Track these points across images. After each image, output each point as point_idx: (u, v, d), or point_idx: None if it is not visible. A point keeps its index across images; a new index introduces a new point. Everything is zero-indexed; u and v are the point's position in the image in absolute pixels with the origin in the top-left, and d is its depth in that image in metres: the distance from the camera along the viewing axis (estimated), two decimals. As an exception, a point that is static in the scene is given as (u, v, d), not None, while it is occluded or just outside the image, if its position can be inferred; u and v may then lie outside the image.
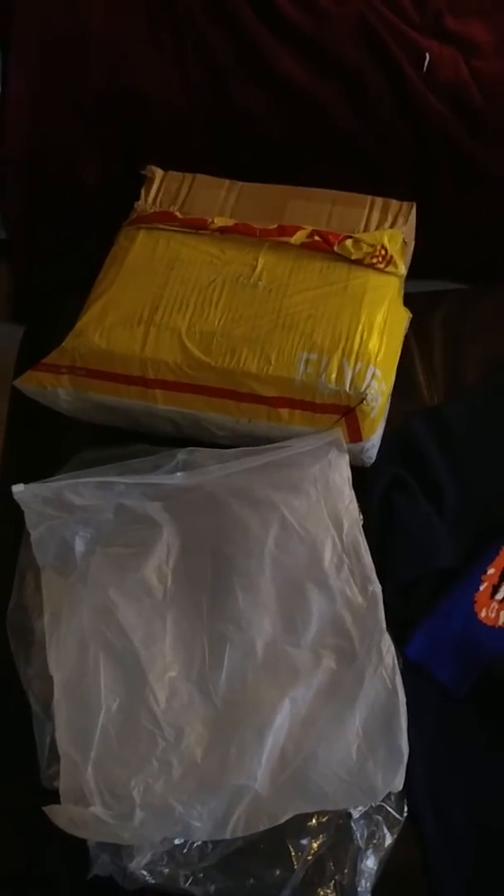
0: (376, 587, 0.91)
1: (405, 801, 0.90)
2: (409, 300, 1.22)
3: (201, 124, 1.44)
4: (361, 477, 1.05)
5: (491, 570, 1.00)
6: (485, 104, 1.42)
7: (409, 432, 1.11)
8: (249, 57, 1.41)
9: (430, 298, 1.29)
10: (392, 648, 0.88)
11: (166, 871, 0.83)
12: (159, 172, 1.19)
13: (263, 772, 0.80)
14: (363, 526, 0.99)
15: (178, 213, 1.12)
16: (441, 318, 1.25)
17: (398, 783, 0.81)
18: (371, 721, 0.82)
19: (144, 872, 0.83)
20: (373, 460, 1.06)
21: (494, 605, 0.99)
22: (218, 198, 1.15)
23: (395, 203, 1.14)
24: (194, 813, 0.79)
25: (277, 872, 0.85)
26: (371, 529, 1.02)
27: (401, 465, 1.08)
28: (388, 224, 1.11)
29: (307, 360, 0.98)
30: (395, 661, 0.87)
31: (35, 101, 1.41)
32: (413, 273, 1.27)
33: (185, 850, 0.83)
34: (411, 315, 1.14)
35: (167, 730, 0.82)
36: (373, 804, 0.87)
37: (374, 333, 1.00)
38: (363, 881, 0.86)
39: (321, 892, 0.85)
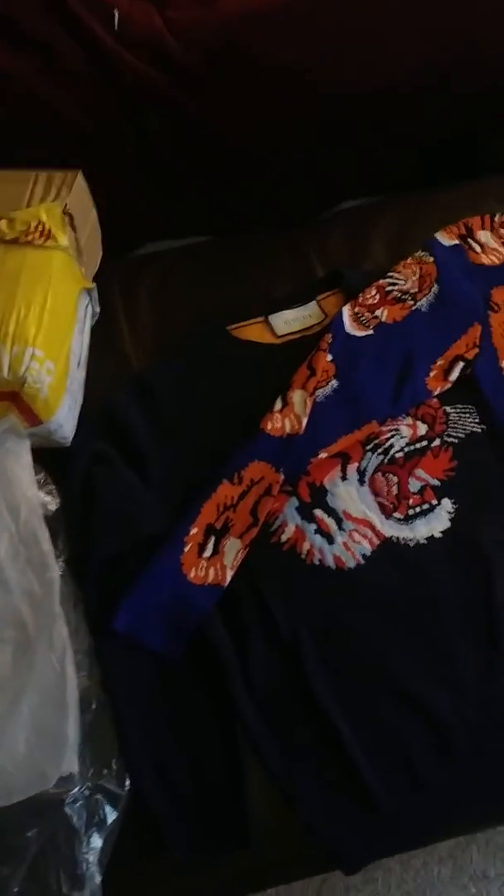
0: (53, 573, 0.90)
1: (127, 774, 0.90)
2: (117, 268, 1.21)
3: None
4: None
5: (194, 530, 0.99)
6: (184, 53, 1.38)
7: (113, 404, 1.09)
8: None
9: (140, 262, 1.27)
10: (64, 633, 0.87)
11: None
12: None
13: None
14: (62, 506, 0.99)
15: None
16: (150, 282, 1.23)
17: (66, 767, 0.81)
18: (40, 709, 0.82)
19: None
20: (69, 439, 1.04)
21: (203, 563, 0.98)
22: None
23: (59, 174, 1.10)
24: None
25: (7, 871, 0.85)
26: (72, 509, 1.01)
27: (103, 440, 1.06)
28: (51, 197, 1.07)
29: (-34, 352, 0.95)
30: (67, 646, 0.86)
31: None
32: (173, 232, 1.24)
33: None
34: (93, 285, 1.12)
35: None
36: (83, 791, 0.88)
37: (32, 313, 0.97)
38: (87, 860, 0.87)
39: (50, 879, 0.86)
